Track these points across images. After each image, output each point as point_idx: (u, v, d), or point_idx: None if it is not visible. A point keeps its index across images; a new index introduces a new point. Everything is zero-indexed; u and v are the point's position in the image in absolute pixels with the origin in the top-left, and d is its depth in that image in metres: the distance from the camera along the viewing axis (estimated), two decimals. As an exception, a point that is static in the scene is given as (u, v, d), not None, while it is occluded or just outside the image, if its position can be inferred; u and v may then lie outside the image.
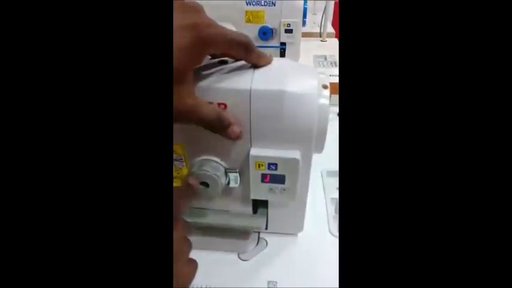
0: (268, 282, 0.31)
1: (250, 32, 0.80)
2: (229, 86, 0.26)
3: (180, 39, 0.21)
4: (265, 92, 0.26)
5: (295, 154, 0.27)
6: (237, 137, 0.26)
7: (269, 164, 0.28)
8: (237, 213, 0.33)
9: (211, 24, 0.23)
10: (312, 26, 1.10)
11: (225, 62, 0.29)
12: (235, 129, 0.26)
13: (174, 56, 0.21)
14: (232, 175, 0.29)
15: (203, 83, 0.26)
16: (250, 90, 0.26)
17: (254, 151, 0.28)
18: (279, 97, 0.26)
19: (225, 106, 0.26)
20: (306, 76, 0.28)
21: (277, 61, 0.29)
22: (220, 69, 0.28)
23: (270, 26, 0.78)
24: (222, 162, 0.29)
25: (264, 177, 0.29)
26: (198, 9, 0.23)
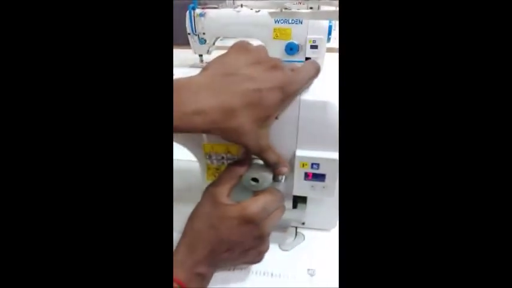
0: (308, 270, 0.34)
1: (278, 48, 0.86)
2: (281, 96, 0.31)
3: (270, 98, 0.27)
4: (312, 102, 0.30)
5: (336, 155, 0.31)
6: (283, 175, 0.32)
7: (312, 164, 0.32)
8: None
9: (293, 79, 0.28)
10: (333, 42, 1.15)
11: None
12: (285, 170, 0.32)
13: (265, 110, 0.27)
14: (279, 172, 0.34)
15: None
16: (300, 100, 0.30)
17: (300, 152, 0.32)
18: (323, 107, 0.30)
19: (277, 113, 0.31)
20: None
21: (322, 75, 0.33)
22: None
23: (296, 42, 0.83)
24: (270, 162, 0.34)
25: (306, 176, 0.33)
26: (281, 67, 0.28)
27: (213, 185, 0.31)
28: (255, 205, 0.28)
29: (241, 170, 0.31)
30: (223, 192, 0.30)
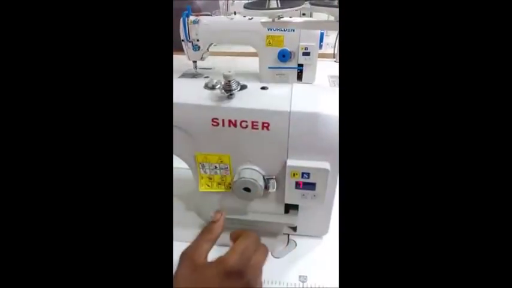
0: (300, 276, 0.35)
1: (270, 55, 0.87)
2: (273, 108, 0.32)
3: None
4: (303, 114, 0.31)
5: (326, 165, 0.32)
6: None
7: (303, 173, 0.33)
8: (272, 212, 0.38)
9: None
10: (325, 48, 1.17)
11: (266, 88, 0.35)
12: None
13: None
14: (270, 181, 0.35)
15: (251, 105, 0.32)
16: (290, 113, 0.31)
17: (290, 162, 0.33)
18: (314, 118, 0.31)
19: (268, 125, 0.32)
20: (335, 100, 0.33)
21: (310, 87, 0.34)
22: (264, 94, 0.34)
23: (288, 49, 0.84)
24: (262, 171, 0.35)
25: (297, 185, 0.34)
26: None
27: (190, 248, 0.29)
28: (232, 256, 0.27)
29: (217, 230, 0.31)
30: (201, 254, 0.28)
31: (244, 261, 0.28)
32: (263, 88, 0.35)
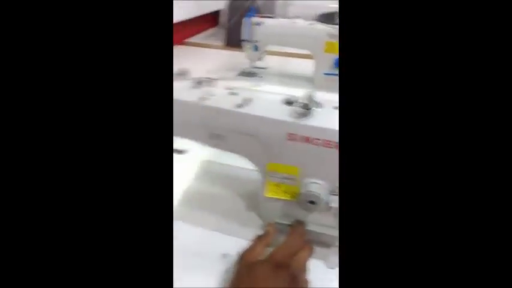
0: (350, 288, 0.37)
1: (328, 61, 0.87)
2: (346, 129, 0.34)
3: None
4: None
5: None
6: None
7: (367, 194, 0.35)
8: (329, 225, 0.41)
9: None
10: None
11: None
12: None
13: None
14: (334, 198, 0.37)
15: (326, 125, 0.34)
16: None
17: (356, 182, 0.35)
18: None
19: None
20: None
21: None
22: (337, 114, 0.36)
23: (346, 57, 0.85)
24: (327, 185, 0.37)
25: (360, 203, 0.36)
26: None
27: (246, 250, 0.36)
28: (279, 251, 0.34)
29: (269, 239, 0.38)
30: (254, 256, 0.35)
31: (289, 255, 0.34)
32: (336, 108, 0.37)
